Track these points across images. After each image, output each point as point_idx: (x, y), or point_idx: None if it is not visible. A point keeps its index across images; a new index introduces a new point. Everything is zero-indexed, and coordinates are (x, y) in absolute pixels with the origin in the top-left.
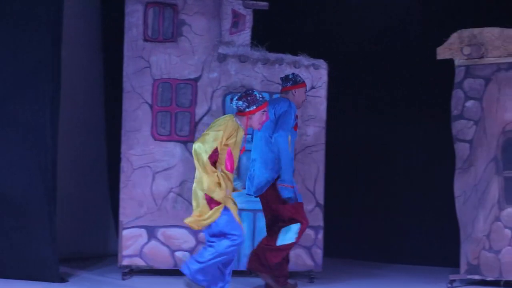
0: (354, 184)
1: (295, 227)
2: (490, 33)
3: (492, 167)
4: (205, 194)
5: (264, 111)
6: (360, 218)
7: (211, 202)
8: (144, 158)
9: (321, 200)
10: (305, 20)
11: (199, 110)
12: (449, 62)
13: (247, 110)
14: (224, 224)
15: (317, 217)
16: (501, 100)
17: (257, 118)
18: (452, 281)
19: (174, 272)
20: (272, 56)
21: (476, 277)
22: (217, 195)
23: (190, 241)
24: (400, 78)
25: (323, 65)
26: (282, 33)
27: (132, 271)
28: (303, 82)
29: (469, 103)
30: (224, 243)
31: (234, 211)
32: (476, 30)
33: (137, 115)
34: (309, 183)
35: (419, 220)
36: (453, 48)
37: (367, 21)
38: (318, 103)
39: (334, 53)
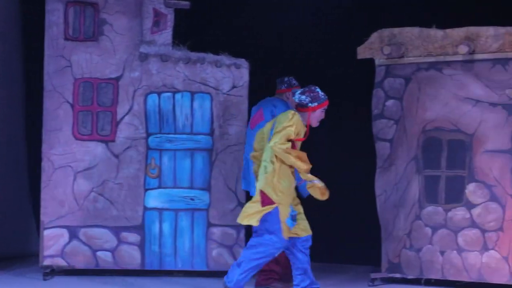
0: None
1: None
2: (410, 33)
3: (412, 166)
4: (261, 191)
5: (325, 109)
6: None
7: (265, 200)
8: (65, 157)
9: (243, 199)
10: (226, 19)
11: (121, 110)
12: (370, 62)
13: (310, 105)
14: (271, 222)
15: None
16: (421, 99)
17: (317, 115)
18: (373, 280)
19: (96, 272)
20: (194, 55)
21: (397, 275)
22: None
23: (112, 241)
24: (321, 77)
25: (244, 64)
26: (204, 32)
27: (54, 271)
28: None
29: (390, 103)
30: (266, 241)
31: (283, 216)
32: (396, 30)
33: (58, 115)
34: (230, 182)
35: (340, 218)
36: (374, 48)
37: (288, 21)
38: (240, 103)
39: (256, 53)
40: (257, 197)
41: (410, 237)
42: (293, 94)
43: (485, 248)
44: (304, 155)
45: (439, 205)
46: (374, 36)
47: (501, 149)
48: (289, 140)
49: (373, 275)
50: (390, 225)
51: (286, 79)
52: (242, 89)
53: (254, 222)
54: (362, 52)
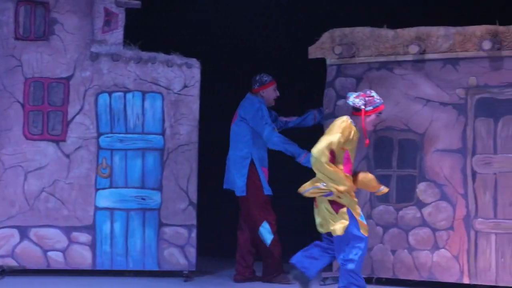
0: None
1: (264, 229)
2: (361, 33)
3: (363, 165)
4: (329, 201)
5: (380, 113)
6: (232, 217)
7: (336, 207)
8: (16, 157)
9: (194, 199)
10: (178, 18)
11: (72, 109)
12: (322, 61)
13: (364, 109)
14: (351, 225)
15: (190, 216)
16: None
17: (372, 119)
18: (325, 279)
19: (47, 272)
20: (145, 55)
21: None
22: (343, 186)
23: (63, 241)
24: (273, 77)
25: (195, 64)
26: (155, 32)
27: (4, 272)
28: (270, 81)
29: (341, 102)
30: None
31: (357, 215)
32: (347, 30)
33: (8, 114)
34: (182, 182)
35: (290, 217)
36: (325, 47)
37: (240, 21)
38: (191, 102)
39: (207, 52)
40: (329, 207)
41: None
42: (354, 97)
43: (435, 247)
44: (342, 174)
45: (390, 204)
46: (326, 36)
47: (452, 148)
48: (332, 151)
49: (324, 274)
50: None
51: (257, 77)
52: (194, 89)
53: (340, 231)
54: (314, 52)
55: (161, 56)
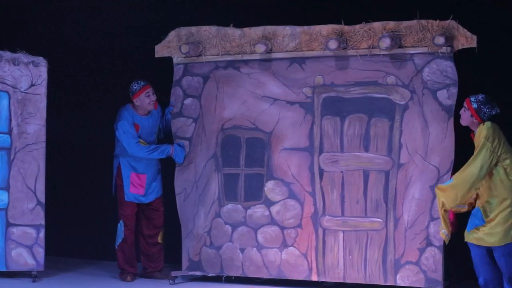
0: (76, 182)
1: (119, 227)
2: (208, 31)
3: (211, 164)
4: None
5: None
6: (81, 216)
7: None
8: None
9: (42, 199)
10: (25, 16)
11: None
12: (169, 60)
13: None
14: None
15: (38, 216)
16: (219, 98)
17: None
18: (174, 278)
19: None
20: None
21: (198, 273)
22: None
23: None
24: (122, 76)
25: (42, 62)
26: (1, 30)
27: None
28: (140, 88)
29: (188, 101)
30: None
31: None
32: (194, 28)
33: None
34: (29, 182)
35: None
36: (172, 46)
37: (88, 19)
38: (38, 101)
39: (55, 51)
40: None
41: (210, 235)
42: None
43: (284, 245)
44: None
45: (239, 202)
46: (172, 35)
47: (299, 147)
48: None
49: (173, 273)
50: (190, 223)
51: (130, 88)
52: (40, 87)
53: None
54: (160, 51)
55: (7, 54)
